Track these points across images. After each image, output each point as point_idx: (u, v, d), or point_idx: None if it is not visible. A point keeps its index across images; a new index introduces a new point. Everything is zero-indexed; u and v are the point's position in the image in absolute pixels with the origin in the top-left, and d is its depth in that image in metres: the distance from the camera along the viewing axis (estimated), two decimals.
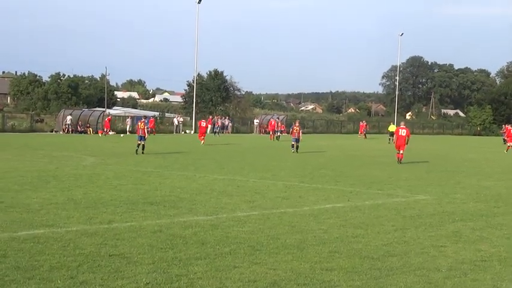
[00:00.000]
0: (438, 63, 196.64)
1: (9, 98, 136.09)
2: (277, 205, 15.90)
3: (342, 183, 21.61)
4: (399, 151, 32.20)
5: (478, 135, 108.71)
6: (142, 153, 34.44)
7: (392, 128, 65.56)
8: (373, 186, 20.92)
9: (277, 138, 60.34)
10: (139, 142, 35.47)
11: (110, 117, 74.45)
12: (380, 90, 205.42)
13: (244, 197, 17.21)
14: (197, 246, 10.57)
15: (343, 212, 15.06)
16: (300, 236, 11.77)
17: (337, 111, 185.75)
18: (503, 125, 77.68)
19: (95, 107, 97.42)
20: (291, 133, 41.31)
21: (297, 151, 38.98)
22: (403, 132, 32.62)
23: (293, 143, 39.89)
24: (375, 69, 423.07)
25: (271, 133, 63.26)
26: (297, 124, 41.35)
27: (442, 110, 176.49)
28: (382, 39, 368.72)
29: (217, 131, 72.05)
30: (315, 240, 11.42)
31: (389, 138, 62.39)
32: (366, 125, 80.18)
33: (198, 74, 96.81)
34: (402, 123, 35.39)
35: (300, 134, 40.23)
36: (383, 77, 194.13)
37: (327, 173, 25.50)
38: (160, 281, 8.39)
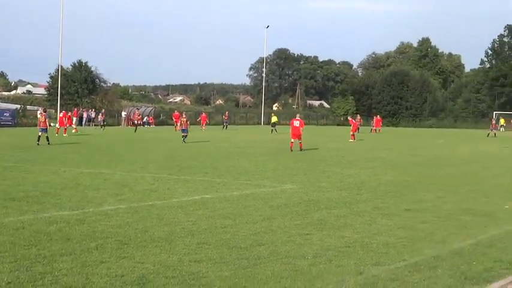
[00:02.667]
0: (304, 55, 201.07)
1: None
2: (145, 198, 15.75)
3: (211, 175, 21.69)
4: (294, 140, 35.34)
5: (342, 125, 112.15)
6: (48, 144, 35.90)
7: (274, 119, 67.41)
8: (241, 177, 21.14)
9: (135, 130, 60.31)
10: (40, 134, 36.96)
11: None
12: (247, 82, 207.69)
13: (112, 191, 16.92)
14: (62, 242, 10.29)
15: (211, 203, 15.11)
16: (169, 228, 11.71)
17: (206, 103, 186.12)
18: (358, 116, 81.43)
19: None
20: (180, 125, 45.62)
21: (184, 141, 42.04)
22: (297, 123, 35.91)
23: (183, 134, 43.21)
24: (242, 61, 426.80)
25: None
26: (184, 116, 45.73)
27: (308, 101, 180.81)
28: (249, 31, 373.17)
29: (100, 123, 70.58)
30: (184, 232, 11.39)
31: (272, 129, 63.61)
32: (206, 116, 79.09)
33: (61, 66, 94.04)
34: (298, 115, 39.39)
35: (188, 125, 44.53)
36: (250, 69, 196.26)
37: (196, 165, 25.52)
38: (23, 280, 8.09)
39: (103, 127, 68.43)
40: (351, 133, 52.12)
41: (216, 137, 51.52)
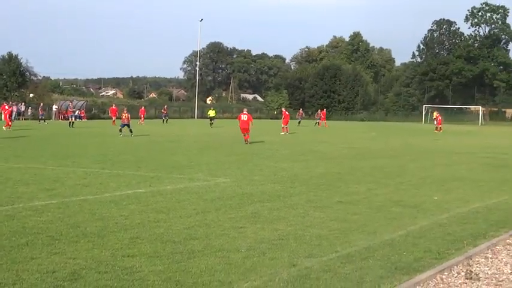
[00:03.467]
0: (237, 48, 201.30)
1: None
2: (77, 192, 15.53)
3: (144, 169, 21.54)
4: (245, 134, 37.10)
5: (276, 118, 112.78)
6: None
7: (212, 113, 67.28)
8: (175, 171, 21.06)
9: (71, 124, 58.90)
10: None
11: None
12: (181, 75, 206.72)
13: (42, 185, 16.63)
14: None
15: (144, 197, 15.01)
16: (101, 223, 11.58)
17: (139, 97, 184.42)
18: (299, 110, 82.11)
19: None
20: (122, 119, 45.87)
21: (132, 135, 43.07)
22: (245, 117, 37.90)
23: (121, 127, 44.21)
24: (175, 55, 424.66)
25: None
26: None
27: (242, 95, 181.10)
28: (182, 24, 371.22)
29: (42, 118, 69.12)
30: (116, 227, 11.29)
31: (211, 123, 63.44)
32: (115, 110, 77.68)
33: None
34: (245, 109, 41.47)
35: (129, 118, 45.67)
36: (184, 62, 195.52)
37: (128, 159, 25.30)
38: None
39: (43, 120, 67.30)
40: (282, 125, 52.40)
41: (152, 131, 51.12)
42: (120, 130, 43.64)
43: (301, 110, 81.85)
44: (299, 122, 74.53)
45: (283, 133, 50.33)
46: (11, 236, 10.33)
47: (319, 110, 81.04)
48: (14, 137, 40.29)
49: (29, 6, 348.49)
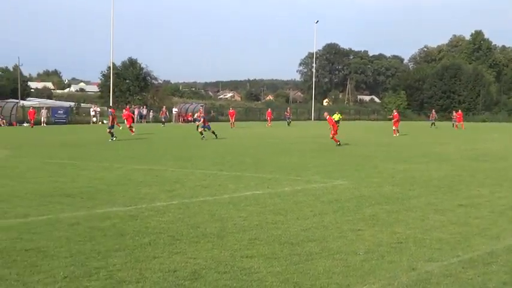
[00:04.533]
0: (353, 49, 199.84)
1: None
2: (196, 194, 15.85)
3: (261, 171, 21.71)
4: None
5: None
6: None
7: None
8: (292, 173, 21.11)
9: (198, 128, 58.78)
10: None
11: (32, 108, 72.39)
12: (297, 77, 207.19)
13: (163, 187, 17.08)
14: (116, 238, 10.43)
15: (262, 199, 15.13)
16: (220, 224, 11.76)
17: (256, 99, 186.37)
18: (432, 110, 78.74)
19: (8, 99, 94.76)
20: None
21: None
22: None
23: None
24: (292, 57, 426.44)
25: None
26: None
27: (358, 96, 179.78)
28: (298, 26, 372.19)
29: (164, 120, 71.48)
30: (235, 228, 11.43)
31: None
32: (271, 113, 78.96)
33: (113, 63, 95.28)
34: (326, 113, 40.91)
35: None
36: (300, 64, 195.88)
37: (246, 161, 25.58)
38: (78, 275, 8.23)
39: (163, 124, 69.27)
40: (394, 128, 51.16)
41: (273, 133, 51.53)
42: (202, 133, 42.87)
43: (434, 112, 77.21)
44: (432, 124, 71.10)
45: (395, 135, 49.37)
46: (135, 235, 10.66)
47: (453, 112, 76.63)
48: (135, 139, 41.61)
49: (147, 13, 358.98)
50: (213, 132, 42.20)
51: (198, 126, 54.81)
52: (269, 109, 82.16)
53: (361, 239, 10.68)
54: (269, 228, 11.51)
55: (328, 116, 37.87)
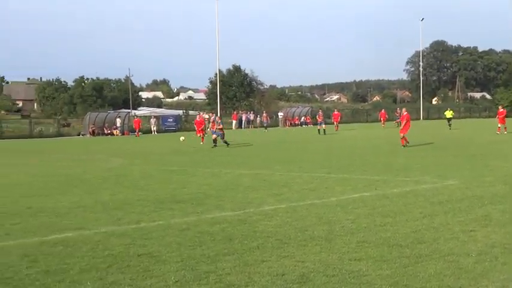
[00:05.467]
0: (462, 46, 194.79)
1: (35, 104, 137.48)
2: (304, 197, 15.86)
3: (369, 172, 21.49)
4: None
5: (508, 117, 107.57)
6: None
7: (448, 114, 63.46)
8: (400, 174, 20.78)
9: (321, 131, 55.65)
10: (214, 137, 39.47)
11: (137, 118, 74.72)
12: (405, 76, 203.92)
13: (271, 191, 17.18)
14: (225, 242, 10.57)
15: (370, 201, 14.97)
16: (328, 227, 11.72)
17: (362, 100, 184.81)
18: None
19: (120, 109, 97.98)
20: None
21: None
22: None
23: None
24: (398, 56, 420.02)
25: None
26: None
27: (469, 94, 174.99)
28: (403, 25, 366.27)
29: (266, 125, 72.31)
30: (343, 231, 11.36)
31: (449, 125, 60.77)
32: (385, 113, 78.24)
33: (219, 71, 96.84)
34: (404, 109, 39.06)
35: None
36: (407, 63, 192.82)
37: (354, 163, 25.38)
38: (189, 279, 8.39)
39: (265, 128, 69.76)
40: (499, 125, 49.24)
41: (381, 134, 50.97)
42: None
43: None
44: None
45: (499, 132, 47.58)
46: (243, 239, 10.78)
47: None
48: (242, 144, 42.08)
49: (252, 19, 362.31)
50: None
51: (320, 129, 54.74)
52: (383, 110, 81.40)
53: (473, 240, 10.38)
54: (378, 230, 11.37)
55: (405, 113, 36.54)
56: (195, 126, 49.27)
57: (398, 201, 14.86)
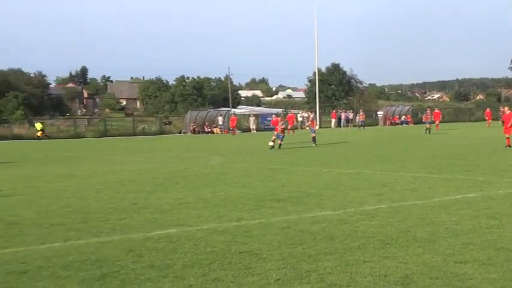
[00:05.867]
0: None
1: (138, 102, 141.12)
2: (405, 197, 15.61)
3: (473, 173, 20.92)
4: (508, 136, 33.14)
5: None
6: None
7: None
8: (506, 175, 20.14)
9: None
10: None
11: (233, 116, 75.48)
12: (510, 74, 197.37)
13: (372, 190, 16.99)
14: (326, 242, 10.52)
15: (475, 202, 14.57)
16: (431, 228, 11.48)
17: (465, 99, 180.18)
18: None
19: (220, 107, 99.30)
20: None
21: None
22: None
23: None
24: (502, 53, 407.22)
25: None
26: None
27: None
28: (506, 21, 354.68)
29: (361, 124, 71.90)
30: (447, 232, 11.10)
31: None
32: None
33: (318, 69, 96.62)
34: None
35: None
36: None
37: (457, 163, 24.77)
38: (290, 277, 8.40)
39: (363, 127, 69.17)
40: None
41: (479, 134, 49.65)
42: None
43: None
44: None
45: None
46: (344, 239, 10.70)
47: None
48: (342, 143, 41.83)
49: (350, 17, 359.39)
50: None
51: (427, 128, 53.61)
52: (488, 109, 79.29)
53: None
54: (483, 232, 11.05)
55: (508, 112, 34.81)
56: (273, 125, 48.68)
57: (505, 203, 14.40)
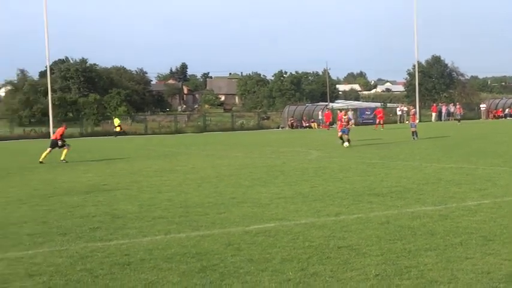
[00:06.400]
0: None
1: (236, 98, 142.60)
2: (509, 193, 15.13)
3: None
4: None
5: None
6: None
7: None
8: None
9: None
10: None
11: (328, 111, 74.95)
12: None
13: (474, 186, 16.57)
14: (426, 237, 10.34)
15: None
16: None
17: None
18: None
19: (318, 102, 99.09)
20: None
21: None
22: None
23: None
24: None
25: None
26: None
27: None
28: None
29: (457, 117, 70.28)
30: None
31: None
32: None
33: (418, 62, 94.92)
34: None
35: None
36: None
37: None
38: (389, 273, 8.31)
39: (458, 121, 67.53)
40: None
41: None
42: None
43: None
44: None
45: None
46: (445, 235, 10.49)
47: None
48: (441, 137, 40.97)
49: (452, 8, 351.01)
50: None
51: None
52: None
53: None
54: None
55: None
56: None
57: None
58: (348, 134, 34.85)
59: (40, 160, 29.21)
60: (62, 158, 29.51)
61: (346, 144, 33.93)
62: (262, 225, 11.87)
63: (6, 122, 77.26)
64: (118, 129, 66.41)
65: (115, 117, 70.14)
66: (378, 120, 64.80)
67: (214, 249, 10.01)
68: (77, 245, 10.63)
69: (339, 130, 35.67)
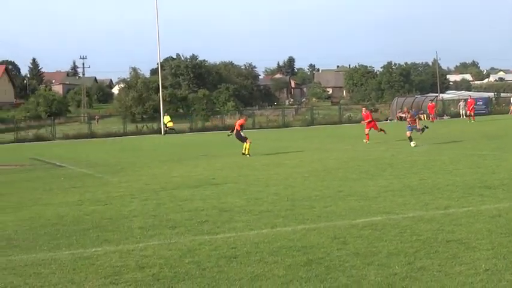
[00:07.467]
0: None
1: (344, 90, 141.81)
2: None
3: None
4: None
5: None
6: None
7: None
8: None
9: None
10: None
11: (432, 103, 72.78)
12: None
13: None
14: None
15: None
16: None
17: None
18: None
19: (428, 93, 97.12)
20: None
21: None
22: None
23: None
24: None
25: None
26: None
27: None
28: None
29: None
30: None
31: None
32: None
33: None
34: None
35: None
36: None
37: None
38: (500, 268, 8.07)
39: None
40: None
41: None
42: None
43: None
44: None
45: None
46: None
47: None
48: None
49: None
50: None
51: None
52: None
53: None
54: None
55: None
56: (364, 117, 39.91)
57: None
58: (411, 131, 31.18)
59: (244, 152, 28.76)
60: (246, 152, 28.80)
61: (412, 143, 29.99)
62: (369, 219, 11.76)
63: (119, 119, 79.74)
64: (170, 124, 66.50)
65: (166, 115, 69.30)
66: (468, 112, 61.92)
67: (320, 242, 10.01)
68: (186, 238, 10.88)
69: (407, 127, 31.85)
